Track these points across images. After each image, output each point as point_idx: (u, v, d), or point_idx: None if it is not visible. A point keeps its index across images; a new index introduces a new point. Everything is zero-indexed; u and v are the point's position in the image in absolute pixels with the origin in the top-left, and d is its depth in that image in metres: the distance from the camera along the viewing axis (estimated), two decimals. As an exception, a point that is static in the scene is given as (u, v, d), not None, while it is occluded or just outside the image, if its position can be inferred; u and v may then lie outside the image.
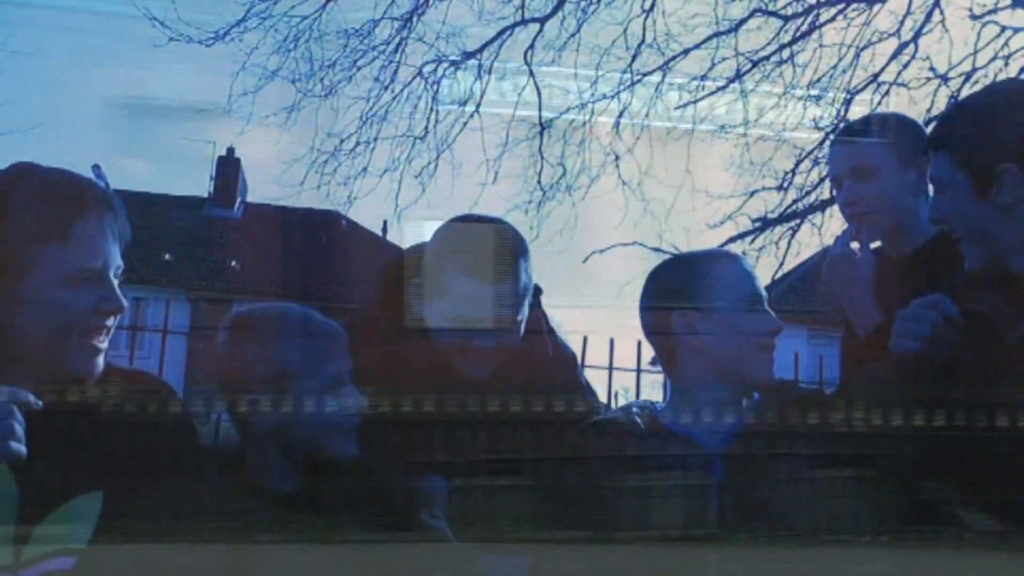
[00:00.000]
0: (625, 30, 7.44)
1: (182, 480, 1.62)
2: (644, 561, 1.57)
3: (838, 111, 7.30)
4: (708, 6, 7.32)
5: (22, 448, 1.45)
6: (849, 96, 7.28)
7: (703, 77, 7.38)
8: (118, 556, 1.51)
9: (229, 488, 1.67)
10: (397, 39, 7.67)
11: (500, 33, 7.62)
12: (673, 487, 1.76)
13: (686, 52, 7.38)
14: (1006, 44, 6.73)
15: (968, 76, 6.81)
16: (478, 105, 7.61)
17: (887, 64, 7.14)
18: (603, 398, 2.43)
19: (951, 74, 6.92)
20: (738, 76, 7.32)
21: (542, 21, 7.54)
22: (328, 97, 7.74)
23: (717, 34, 7.34)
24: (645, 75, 7.46)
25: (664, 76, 7.44)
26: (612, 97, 7.59)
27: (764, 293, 1.92)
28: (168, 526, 1.53)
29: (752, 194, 7.60)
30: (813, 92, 7.33)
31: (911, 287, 1.90)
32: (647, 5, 7.34)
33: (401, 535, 1.66)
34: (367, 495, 1.68)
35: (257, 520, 1.62)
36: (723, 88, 7.37)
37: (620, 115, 7.59)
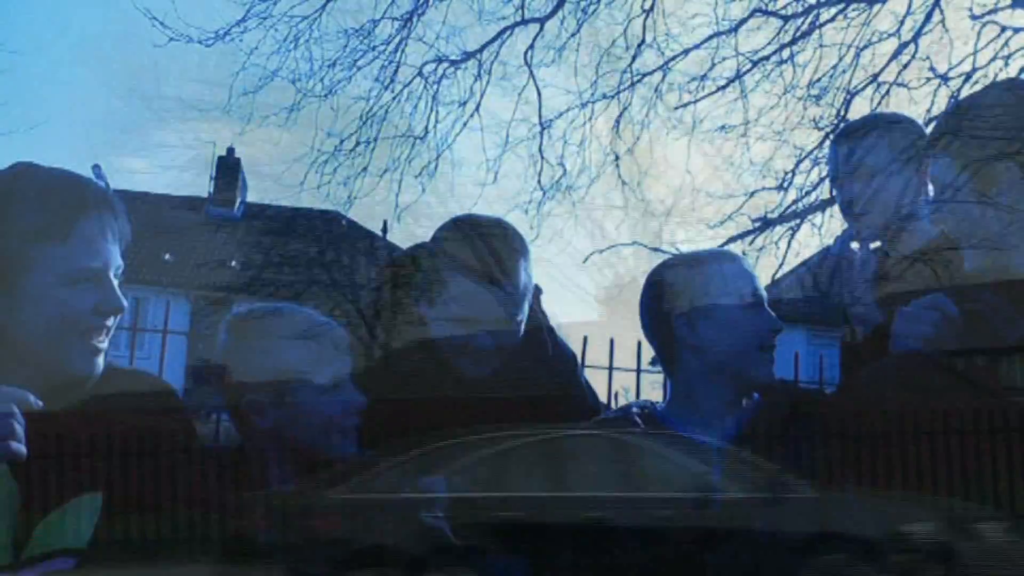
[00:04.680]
0: (625, 30, 7.43)
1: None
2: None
3: (838, 111, 7.30)
4: (708, 6, 7.32)
5: (22, 448, 1.45)
6: (849, 96, 7.28)
7: (703, 77, 7.39)
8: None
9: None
10: (397, 39, 7.67)
11: (500, 33, 7.61)
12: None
13: (686, 52, 7.38)
14: (1006, 44, 6.72)
15: (968, 76, 6.81)
16: (478, 105, 7.62)
17: (887, 64, 7.14)
18: (603, 398, 2.42)
19: (951, 74, 6.91)
20: (738, 76, 7.32)
21: (542, 21, 7.54)
22: (328, 97, 7.75)
23: (717, 34, 7.33)
24: (645, 75, 7.47)
25: (664, 76, 7.44)
26: (612, 97, 7.60)
27: (764, 293, 1.92)
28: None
29: (752, 194, 7.60)
30: (813, 92, 7.34)
31: (911, 287, 1.90)
32: (647, 5, 7.33)
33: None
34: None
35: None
36: (723, 88, 7.38)
37: (620, 115, 7.60)
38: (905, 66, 7.07)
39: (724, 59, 7.36)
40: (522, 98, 7.70)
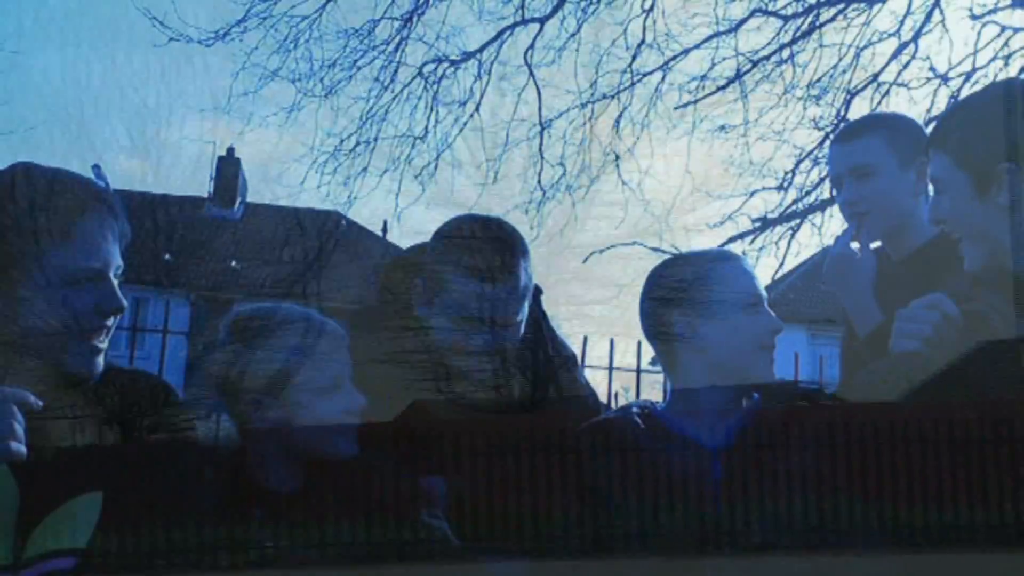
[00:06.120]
0: (625, 30, 7.44)
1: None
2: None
3: (838, 111, 7.30)
4: (708, 6, 7.33)
5: (22, 448, 1.45)
6: (849, 96, 7.28)
7: (703, 77, 7.39)
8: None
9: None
10: (397, 39, 7.66)
11: (500, 33, 7.62)
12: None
13: (686, 52, 7.38)
14: (1006, 44, 6.73)
15: (968, 76, 6.81)
16: (478, 105, 7.62)
17: (887, 64, 7.14)
18: (603, 398, 2.43)
19: (951, 74, 6.92)
20: (738, 76, 7.32)
21: (542, 21, 7.54)
22: (328, 97, 7.74)
23: (717, 34, 7.34)
24: (645, 75, 7.46)
25: (664, 76, 7.44)
26: (612, 97, 7.60)
27: (764, 293, 1.92)
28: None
29: (752, 194, 7.60)
30: (813, 92, 7.34)
31: (911, 287, 1.90)
32: (647, 5, 7.34)
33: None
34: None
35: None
36: (723, 88, 7.37)
37: (620, 115, 7.59)
38: (905, 66, 7.07)
39: (724, 59, 7.37)
40: (522, 98, 7.70)
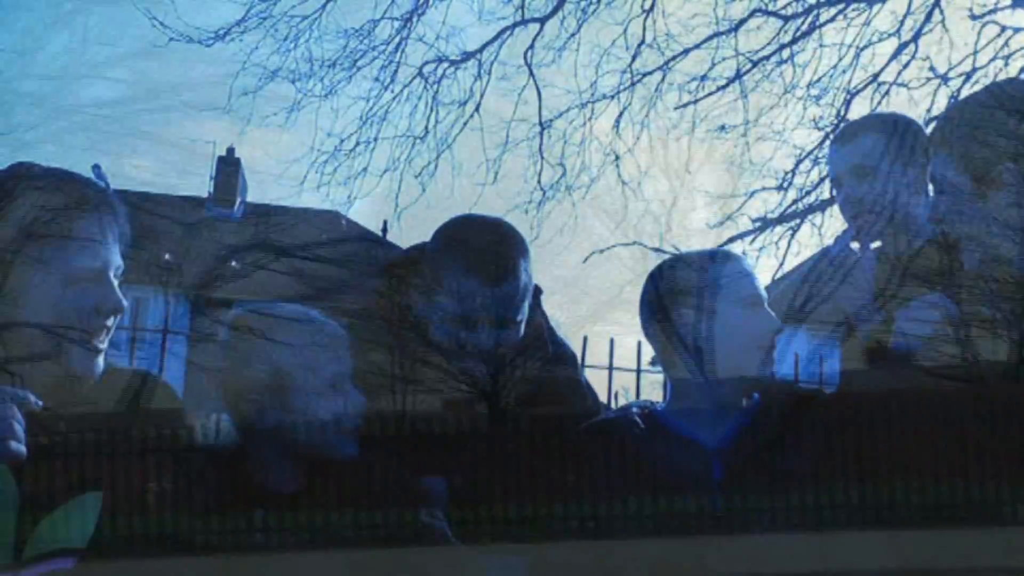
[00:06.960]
0: (625, 30, 7.44)
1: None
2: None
3: (838, 111, 7.30)
4: (708, 6, 7.33)
5: (22, 448, 1.45)
6: (849, 96, 7.28)
7: (703, 77, 7.39)
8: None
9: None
10: (397, 39, 7.67)
11: (500, 33, 7.62)
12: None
13: (686, 52, 7.38)
14: (1006, 44, 6.73)
15: (968, 76, 6.82)
16: (478, 105, 7.62)
17: (887, 64, 7.14)
18: (603, 398, 2.43)
19: (951, 74, 6.92)
20: (738, 76, 7.32)
21: (542, 21, 7.54)
22: (328, 97, 7.74)
23: (717, 34, 7.34)
24: (645, 75, 7.46)
25: (664, 76, 7.44)
26: (612, 97, 7.60)
27: (764, 293, 1.92)
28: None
29: (752, 194, 7.60)
30: (813, 92, 7.34)
31: (911, 287, 1.90)
32: (647, 5, 7.34)
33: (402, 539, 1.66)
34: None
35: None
36: (723, 88, 7.37)
37: (620, 115, 7.59)
38: (905, 66, 7.07)
39: (724, 59, 7.37)
40: (522, 98, 7.70)
